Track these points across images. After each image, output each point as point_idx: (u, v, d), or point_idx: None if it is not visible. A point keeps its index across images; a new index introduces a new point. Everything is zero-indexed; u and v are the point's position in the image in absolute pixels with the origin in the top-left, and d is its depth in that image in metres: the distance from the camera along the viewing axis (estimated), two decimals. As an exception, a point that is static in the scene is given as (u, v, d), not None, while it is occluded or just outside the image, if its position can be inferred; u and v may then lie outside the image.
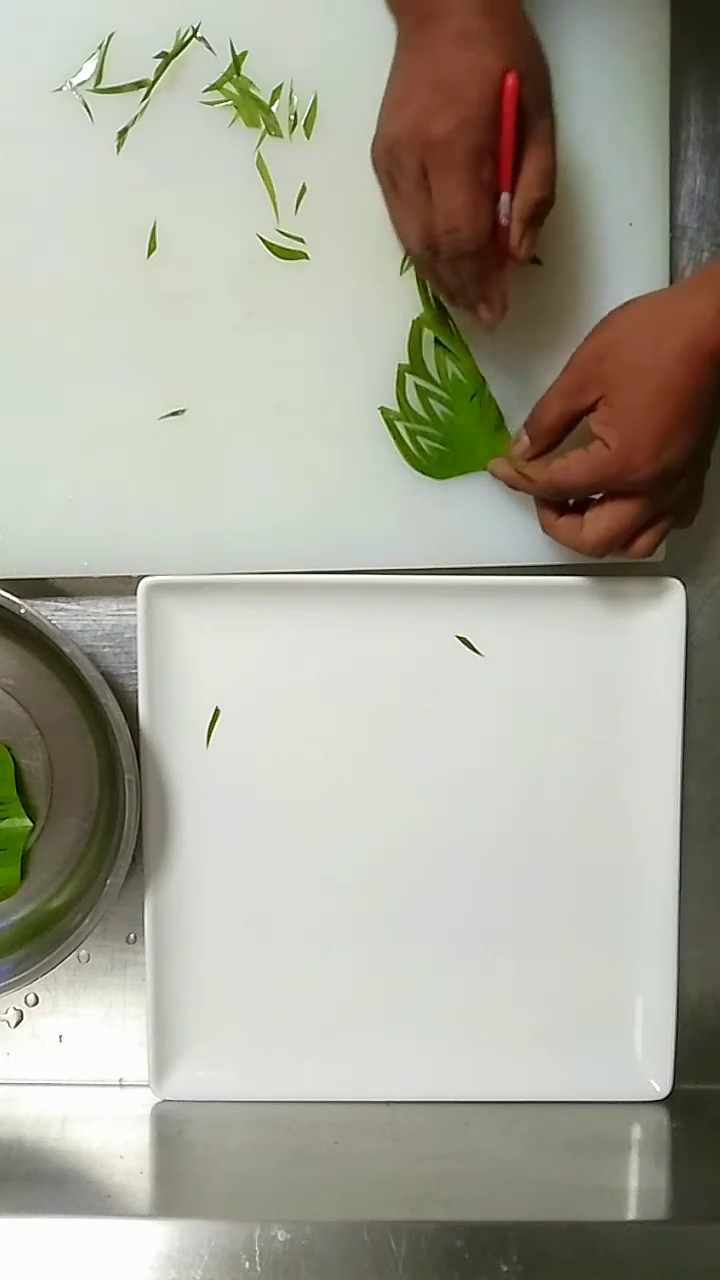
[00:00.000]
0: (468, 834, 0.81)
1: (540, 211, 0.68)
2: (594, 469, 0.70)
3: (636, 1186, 0.76)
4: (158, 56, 0.76)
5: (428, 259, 0.69)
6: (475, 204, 0.66)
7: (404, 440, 0.78)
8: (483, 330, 0.74)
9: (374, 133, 0.69)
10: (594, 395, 0.70)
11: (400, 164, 0.67)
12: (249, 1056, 0.81)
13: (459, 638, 0.80)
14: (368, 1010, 0.81)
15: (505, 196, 0.67)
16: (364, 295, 0.77)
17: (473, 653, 0.80)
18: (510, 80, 0.64)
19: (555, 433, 0.73)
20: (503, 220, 0.67)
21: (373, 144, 0.69)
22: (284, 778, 0.81)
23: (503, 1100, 0.81)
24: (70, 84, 0.76)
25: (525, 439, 0.74)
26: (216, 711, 0.80)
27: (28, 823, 0.81)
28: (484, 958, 0.81)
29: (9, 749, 0.81)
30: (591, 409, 0.71)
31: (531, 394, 0.75)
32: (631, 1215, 0.72)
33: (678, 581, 0.80)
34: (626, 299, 0.71)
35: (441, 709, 0.81)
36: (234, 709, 0.80)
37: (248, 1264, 0.67)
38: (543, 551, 0.79)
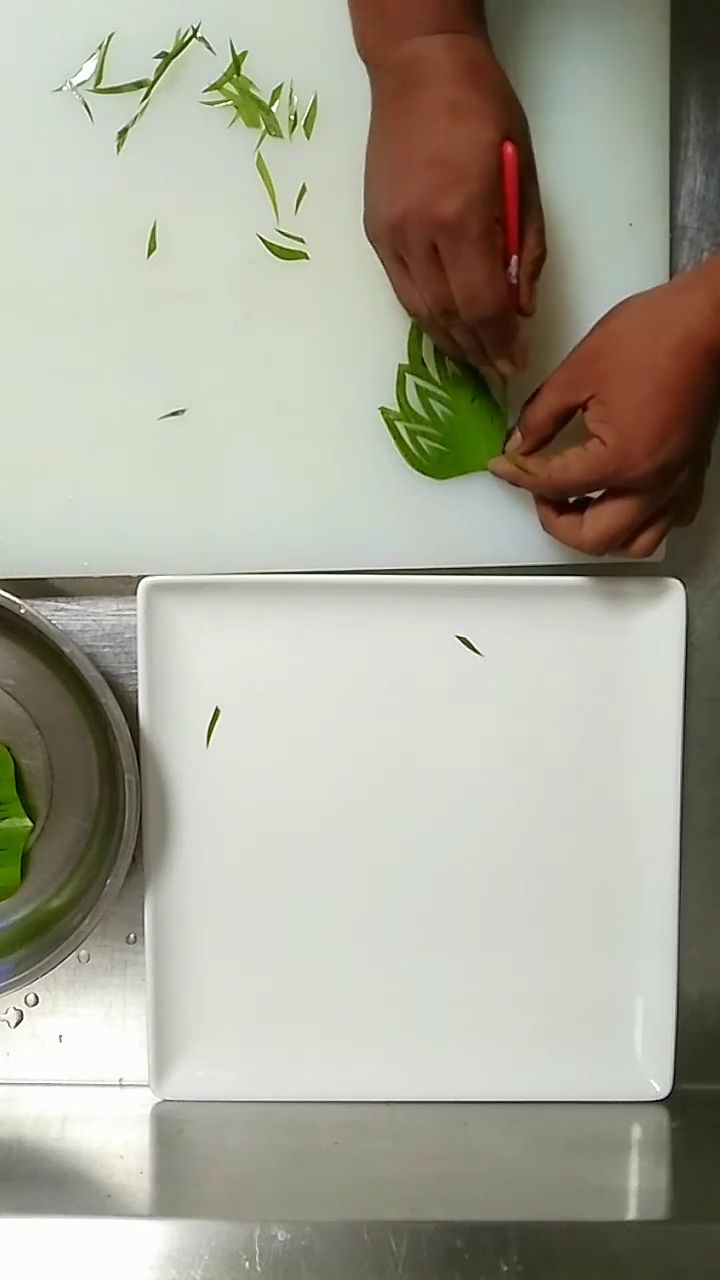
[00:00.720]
0: (468, 834, 0.81)
1: (540, 268, 0.70)
2: (592, 467, 0.70)
3: (636, 1186, 0.76)
4: (158, 56, 0.76)
5: (441, 325, 0.70)
6: (492, 274, 0.67)
7: (404, 440, 0.78)
8: (503, 379, 0.75)
9: (364, 208, 0.70)
10: (587, 392, 0.70)
11: (408, 243, 0.67)
12: (249, 1056, 0.81)
13: (459, 638, 0.80)
14: (368, 1010, 0.81)
15: (515, 259, 0.69)
16: (364, 295, 0.77)
17: (473, 653, 0.80)
18: (509, 151, 0.65)
19: (546, 428, 0.73)
20: (512, 280, 0.69)
21: (367, 221, 0.70)
22: (284, 778, 0.81)
23: (502, 1100, 0.81)
24: (70, 84, 0.76)
25: (518, 435, 0.75)
26: (216, 711, 0.80)
27: (28, 823, 0.81)
28: (484, 957, 0.81)
29: (9, 749, 0.81)
30: (584, 406, 0.71)
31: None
32: (631, 1215, 0.72)
33: (678, 581, 0.80)
34: (626, 298, 0.72)
35: (441, 709, 0.81)
36: (234, 709, 0.80)
37: (248, 1264, 0.67)
38: (543, 551, 0.79)
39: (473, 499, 0.79)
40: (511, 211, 0.67)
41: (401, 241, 0.68)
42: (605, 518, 0.72)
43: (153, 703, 0.79)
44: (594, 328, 0.72)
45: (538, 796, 0.81)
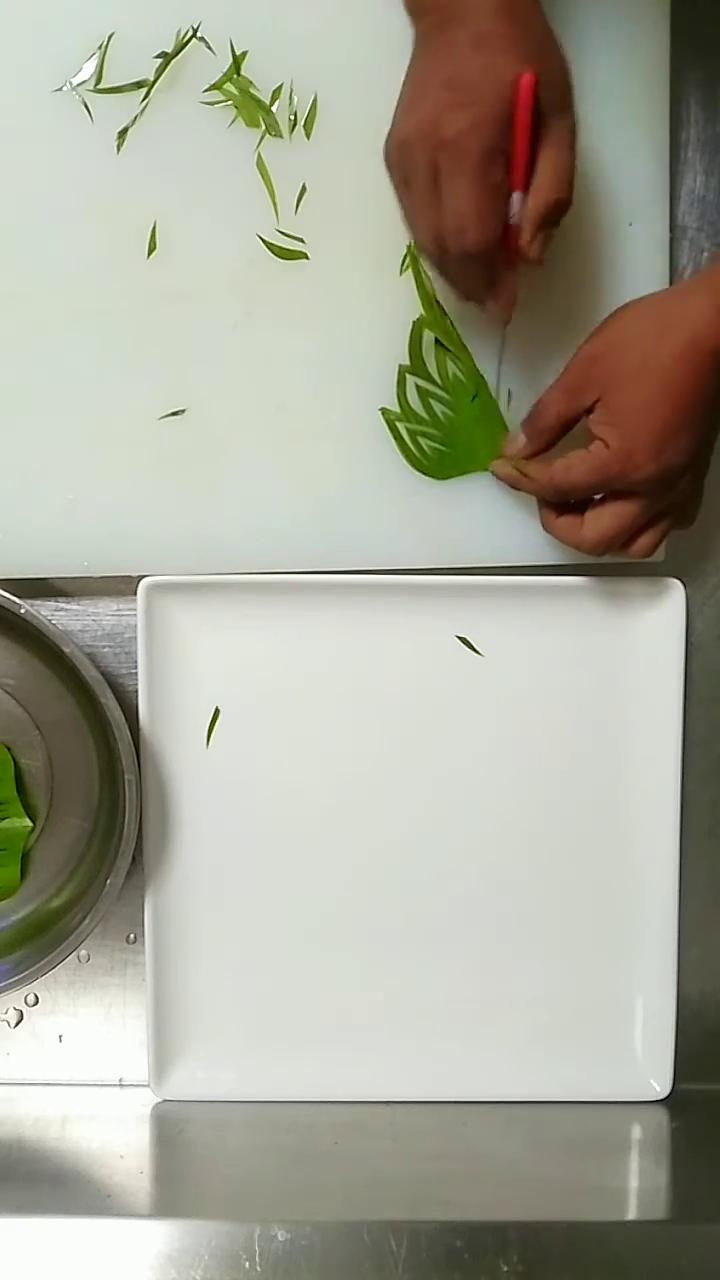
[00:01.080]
0: (468, 834, 0.81)
1: (555, 213, 0.68)
2: (595, 469, 0.70)
3: (636, 1186, 0.76)
4: (158, 56, 0.76)
5: (438, 256, 0.69)
6: (483, 205, 0.65)
7: (404, 441, 0.78)
8: (492, 325, 0.74)
9: (388, 131, 0.68)
10: (592, 396, 0.70)
11: (413, 162, 0.66)
12: (249, 1056, 0.81)
13: (459, 638, 0.80)
14: (368, 1010, 0.81)
15: (517, 196, 0.67)
16: (364, 295, 0.77)
17: (473, 653, 0.80)
18: (525, 80, 0.64)
19: (553, 432, 0.73)
20: (513, 220, 0.67)
21: (386, 141, 0.69)
22: (284, 778, 0.81)
23: (502, 1100, 0.81)
24: (70, 84, 0.76)
25: (522, 438, 0.75)
26: (216, 711, 0.80)
27: (28, 823, 0.81)
28: (484, 957, 0.81)
29: (9, 749, 0.81)
30: (590, 410, 0.71)
31: (533, 394, 0.75)
32: (631, 1215, 0.72)
33: (678, 581, 0.80)
34: (627, 299, 0.71)
35: (441, 709, 0.81)
36: (234, 709, 0.80)
37: (248, 1264, 0.66)
38: (543, 551, 0.79)
39: (473, 499, 0.79)
40: (520, 146, 0.65)
41: (409, 160, 0.67)
42: (606, 519, 0.72)
43: (153, 703, 0.79)
44: (596, 331, 0.72)
45: (538, 796, 0.81)
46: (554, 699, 0.81)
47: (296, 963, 0.81)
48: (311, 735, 0.80)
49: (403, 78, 0.68)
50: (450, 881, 0.81)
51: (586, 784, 0.81)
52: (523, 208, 0.67)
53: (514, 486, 0.75)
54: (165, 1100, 0.81)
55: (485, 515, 0.79)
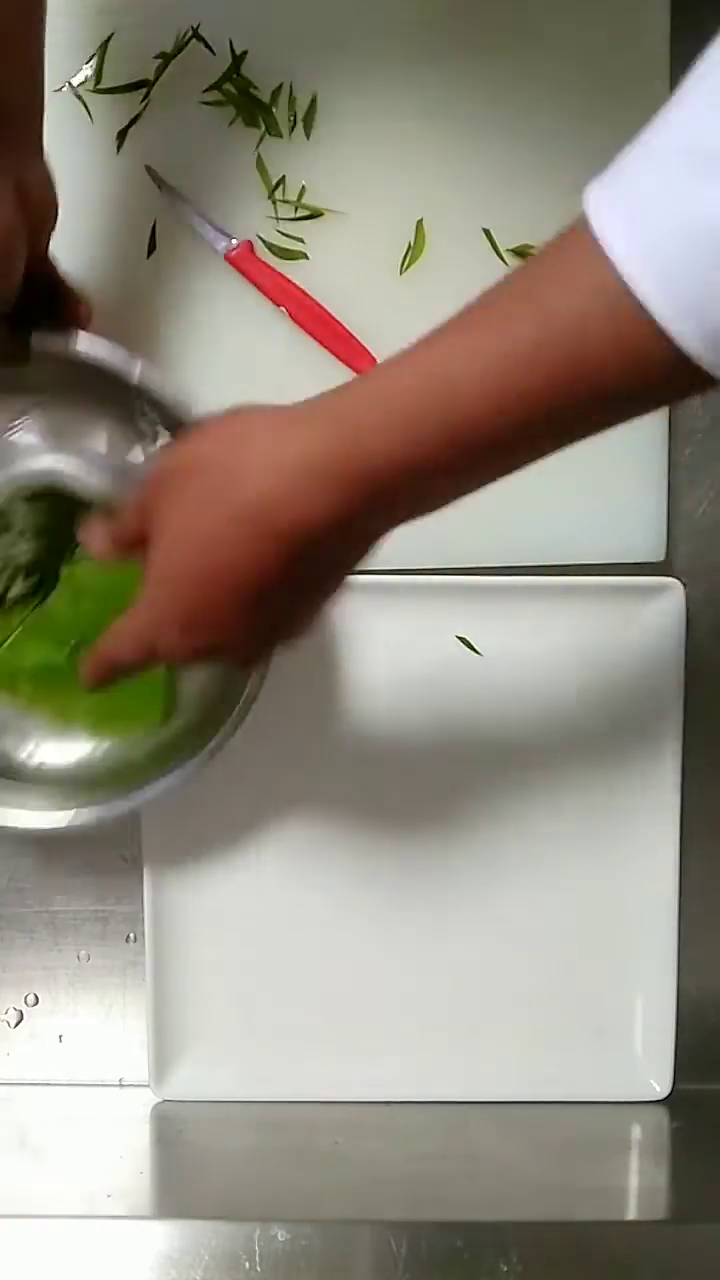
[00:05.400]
0: (468, 833, 0.81)
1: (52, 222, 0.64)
2: (131, 634, 0.57)
3: (636, 1186, 0.76)
4: (158, 57, 0.76)
5: None
6: None
7: None
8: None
9: None
10: (147, 527, 0.55)
11: None
12: (249, 1056, 0.81)
13: (459, 638, 0.80)
14: (368, 1010, 0.81)
15: None
16: (364, 295, 0.77)
17: (473, 653, 0.80)
18: None
19: (125, 548, 0.58)
20: None
21: None
22: (284, 777, 0.81)
23: (502, 1100, 0.81)
24: (70, 84, 0.76)
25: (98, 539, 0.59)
26: None
27: None
28: (484, 957, 0.81)
29: None
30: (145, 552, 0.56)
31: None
32: (631, 1215, 0.72)
33: (677, 581, 0.80)
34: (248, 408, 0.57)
35: (441, 709, 0.81)
36: None
37: (248, 1264, 0.67)
38: (543, 551, 0.79)
39: (472, 499, 0.79)
40: None
41: None
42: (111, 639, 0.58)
43: None
44: (193, 432, 0.56)
45: (537, 796, 0.81)
46: (554, 699, 0.81)
47: (297, 963, 0.81)
48: (311, 734, 0.80)
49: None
50: (450, 881, 0.81)
51: (586, 784, 0.81)
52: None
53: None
54: (165, 1100, 0.81)
55: (485, 515, 0.79)
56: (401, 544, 0.79)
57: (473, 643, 0.80)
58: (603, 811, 0.81)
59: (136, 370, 0.68)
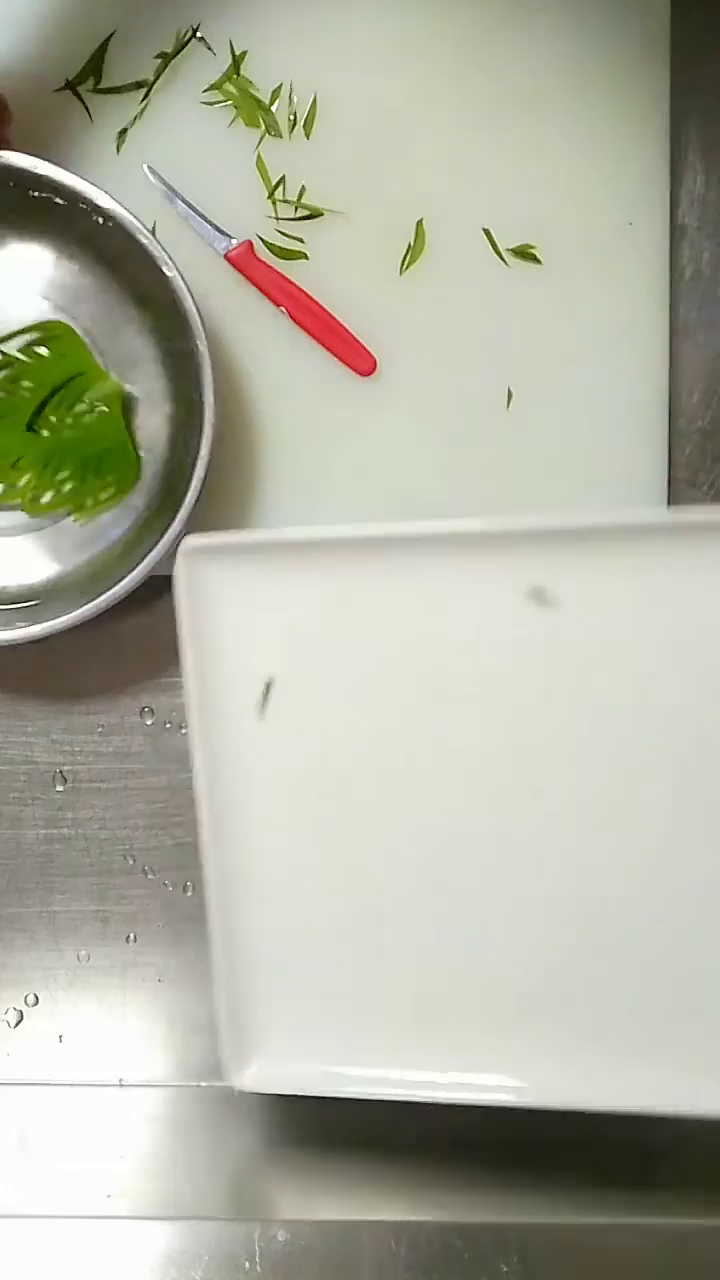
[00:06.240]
0: (547, 811, 0.69)
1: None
2: None
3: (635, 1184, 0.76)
4: (158, 57, 0.76)
5: None
6: None
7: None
8: None
9: None
10: None
11: None
12: (330, 1050, 0.74)
13: (532, 590, 0.69)
14: (447, 999, 0.72)
15: None
16: (364, 295, 0.78)
17: (549, 607, 0.69)
18: None
19: None
20: None
21: None
22: (344, 750, 0.71)
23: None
24: (70, 84, 0.76)
25: None
26: (269, 682, 0.72)
27: (116, 382, 0.76)
28: (566, 955, 0.71)
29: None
30: None
31: (539, 398, 0.75)
32: (631, 1215, 0.72)
33: (678, 581, 0.78)
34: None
35: (514, 671, 0.69)
36: (286, 678, 0.71)
37: (248, 1264, 0.66)
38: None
39: (471, 498, 0.79)
40: None
41: None
42: None
43: (201, 676, 0.71)
44: None
45: (629, 767, 0.69)
46: (647, 657, 0.68)
47: (367, 949, 0.73)
48: (373, 703, 0.71)
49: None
50: (527, 867, 0.70)
51: (684, 755, 0.68)
52: None
53: None
54: (243, 1092, 0.74)
55: (484, 514, 0.79)
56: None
57: (549, 595, 0.69)
58: (705, 786, 0.68)
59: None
